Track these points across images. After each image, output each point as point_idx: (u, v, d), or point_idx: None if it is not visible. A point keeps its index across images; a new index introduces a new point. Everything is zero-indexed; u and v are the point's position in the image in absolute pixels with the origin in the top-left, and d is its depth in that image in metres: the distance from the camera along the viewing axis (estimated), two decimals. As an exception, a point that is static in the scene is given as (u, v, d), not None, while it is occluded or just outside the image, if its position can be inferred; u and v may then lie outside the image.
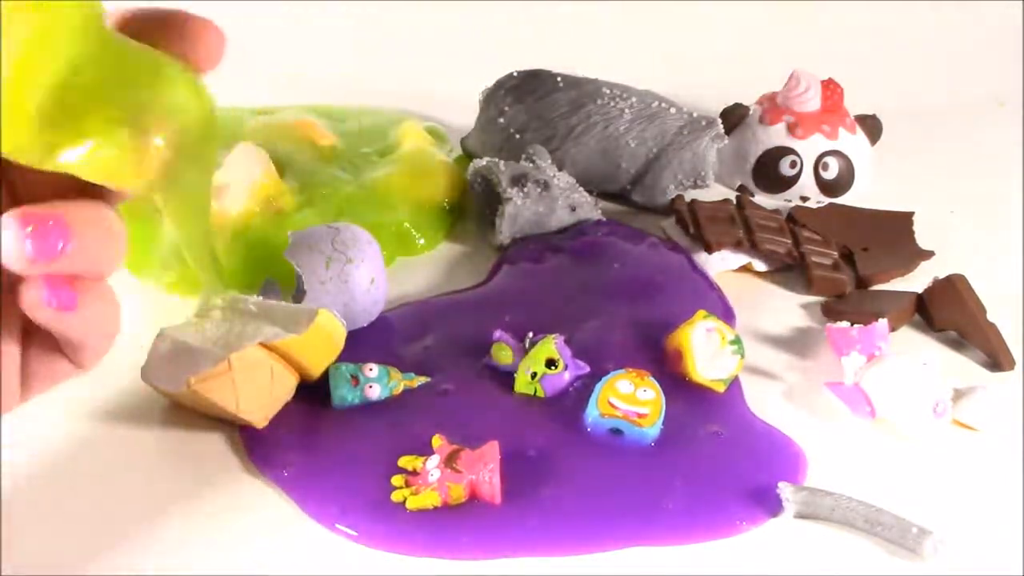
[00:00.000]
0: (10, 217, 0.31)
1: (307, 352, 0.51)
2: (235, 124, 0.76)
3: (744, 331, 0.59)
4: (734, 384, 0.55)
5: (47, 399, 0.54)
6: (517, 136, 0.72)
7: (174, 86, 0.34)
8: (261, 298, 0.53)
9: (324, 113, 0.79)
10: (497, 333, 0.55)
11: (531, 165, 0.67)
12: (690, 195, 0.70)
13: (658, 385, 0.52)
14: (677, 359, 0.56)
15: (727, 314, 0.61)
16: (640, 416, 0.51)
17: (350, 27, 0.98)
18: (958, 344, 0.60)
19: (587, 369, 0.54)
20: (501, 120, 0.73)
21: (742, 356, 0.55)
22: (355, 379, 0.53)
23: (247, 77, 0.88)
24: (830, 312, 0.62)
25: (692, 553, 0.47)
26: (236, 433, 0.51)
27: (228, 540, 0.47)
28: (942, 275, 0.63)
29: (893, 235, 0.69)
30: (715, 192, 0.72)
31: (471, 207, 0.70)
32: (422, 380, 0.55)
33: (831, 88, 0.74)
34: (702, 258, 0.65)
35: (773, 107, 0.74)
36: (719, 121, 0.72)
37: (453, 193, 0.69)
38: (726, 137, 0.71)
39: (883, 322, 0.57)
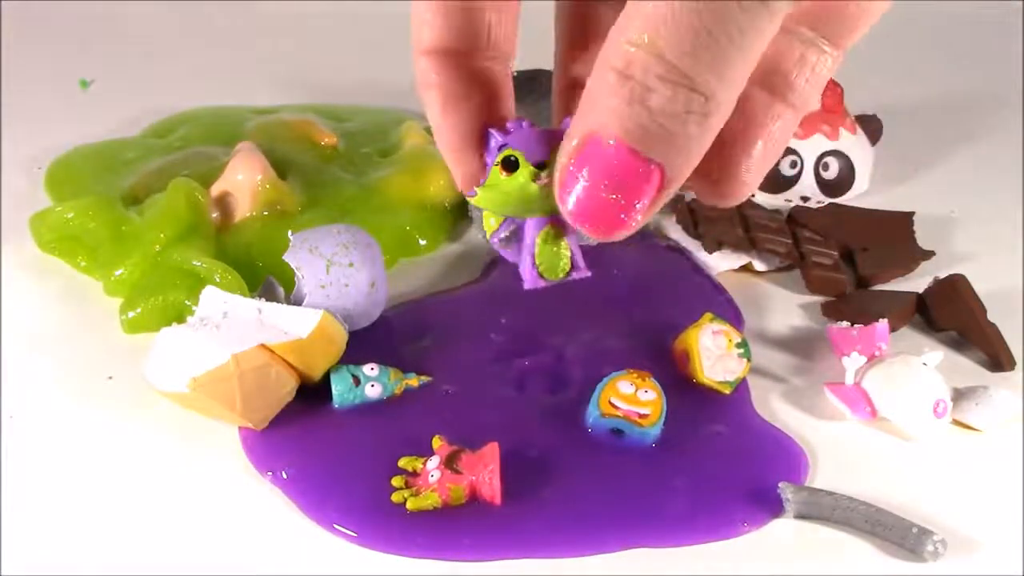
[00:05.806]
0: None
1: (308, 355, 0.51)
2: (235, 124, 0.76)
3: (744, 331, 0.59)
4: (740, 386, 0.55)
5: (47, 399, 0.54)
6: (517, 136, 0.72)
7: None
8: (262, 299, 0.53)
9: (324, 113, 0.79)
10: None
11: (531, 165, 0.67)
12: (690, 195, 0.70)
13: (659, 386, 0.52)
14: (684, 361, 0.55)
15: (736, 317, 0.61)
16: (641, 416, 0.51)
17: (350, 27, 0.98)
18: (958, 344, 0.60)
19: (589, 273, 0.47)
20: (501, 120, 0.72)
21: (749, 359, 0.55)
22: (356, 379, 0.53)
23: (247, 77, 0.88)
24: (830, 312, 0.62)
25: (693, 554, 0.47)
26: (236, 433, 0.51)
27: (227, 540, 0.47)
28: (942, 275, 0.63)
29: (893, 235, 0.69)
30: (715, 192, 0.72)
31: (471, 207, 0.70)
32: (423, 379, 0.55)
33: (831, 88, 0.74)
34: (702, 258, 0.65)
35: (773, 107, 0.74)
36: (719, 121, 0.71)
37: (454, 193, 0.69)
38: (726, 137, 0.71)
39: (883, 322, 0.57)
